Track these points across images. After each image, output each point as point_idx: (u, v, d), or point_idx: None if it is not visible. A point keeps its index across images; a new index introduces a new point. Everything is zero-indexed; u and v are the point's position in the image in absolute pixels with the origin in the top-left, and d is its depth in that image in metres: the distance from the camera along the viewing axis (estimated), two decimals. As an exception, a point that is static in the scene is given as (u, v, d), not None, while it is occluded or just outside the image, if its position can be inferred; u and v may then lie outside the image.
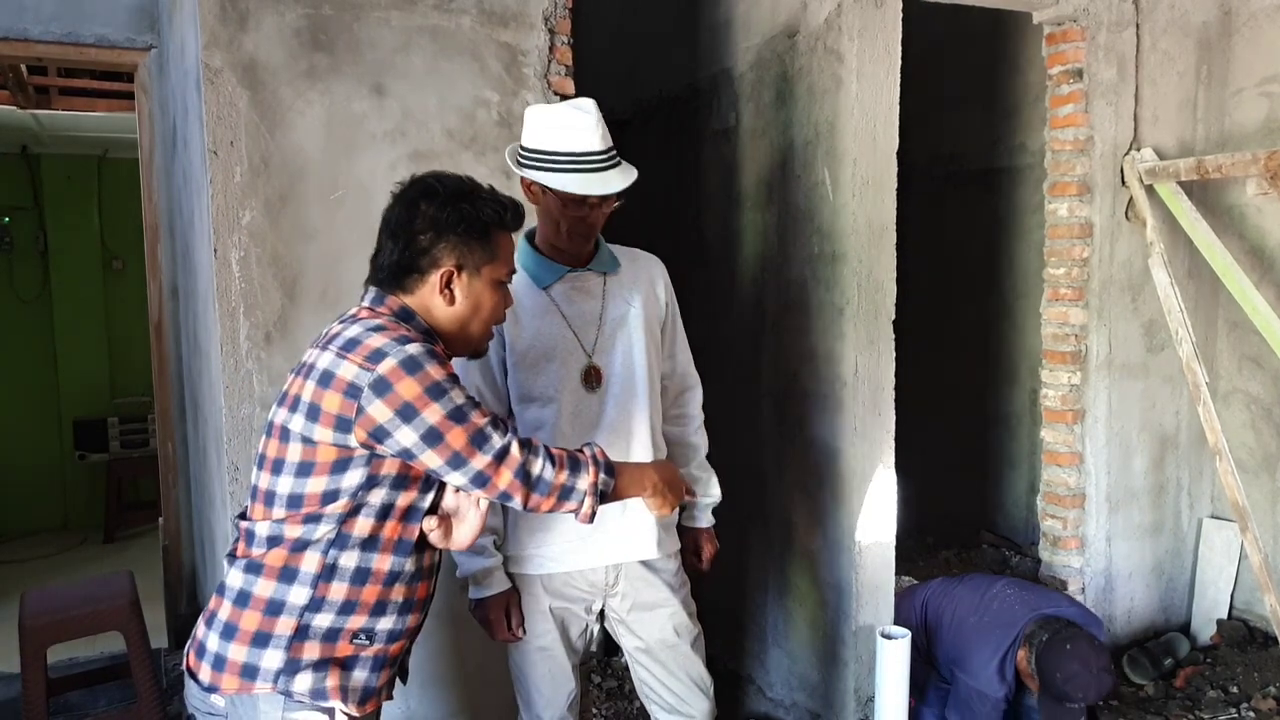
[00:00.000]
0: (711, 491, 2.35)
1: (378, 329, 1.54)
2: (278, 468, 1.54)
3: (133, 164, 4.14)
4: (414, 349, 1.51)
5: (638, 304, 2.11)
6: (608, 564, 2.10)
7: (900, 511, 3.00)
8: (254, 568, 1.55)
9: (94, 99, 4.53)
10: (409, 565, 1.62)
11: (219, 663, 1.54)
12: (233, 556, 1.60)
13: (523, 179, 2.01)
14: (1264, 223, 3.63)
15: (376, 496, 1.55)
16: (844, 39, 2.83)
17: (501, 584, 2.08)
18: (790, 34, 3.07)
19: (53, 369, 6.10)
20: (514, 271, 1.72)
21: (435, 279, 1.61)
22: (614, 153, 1.97)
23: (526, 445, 1.57)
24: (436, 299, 1.62)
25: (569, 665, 2.14)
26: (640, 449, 2.10)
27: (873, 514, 2.90)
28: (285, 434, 1.54)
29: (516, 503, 1.57)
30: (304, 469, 1.52)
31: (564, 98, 2.59)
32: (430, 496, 1.62)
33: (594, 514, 1.64)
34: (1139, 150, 3.54)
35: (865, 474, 2.89)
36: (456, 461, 1.51)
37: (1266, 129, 3.59)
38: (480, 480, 1.53)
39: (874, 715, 2.78)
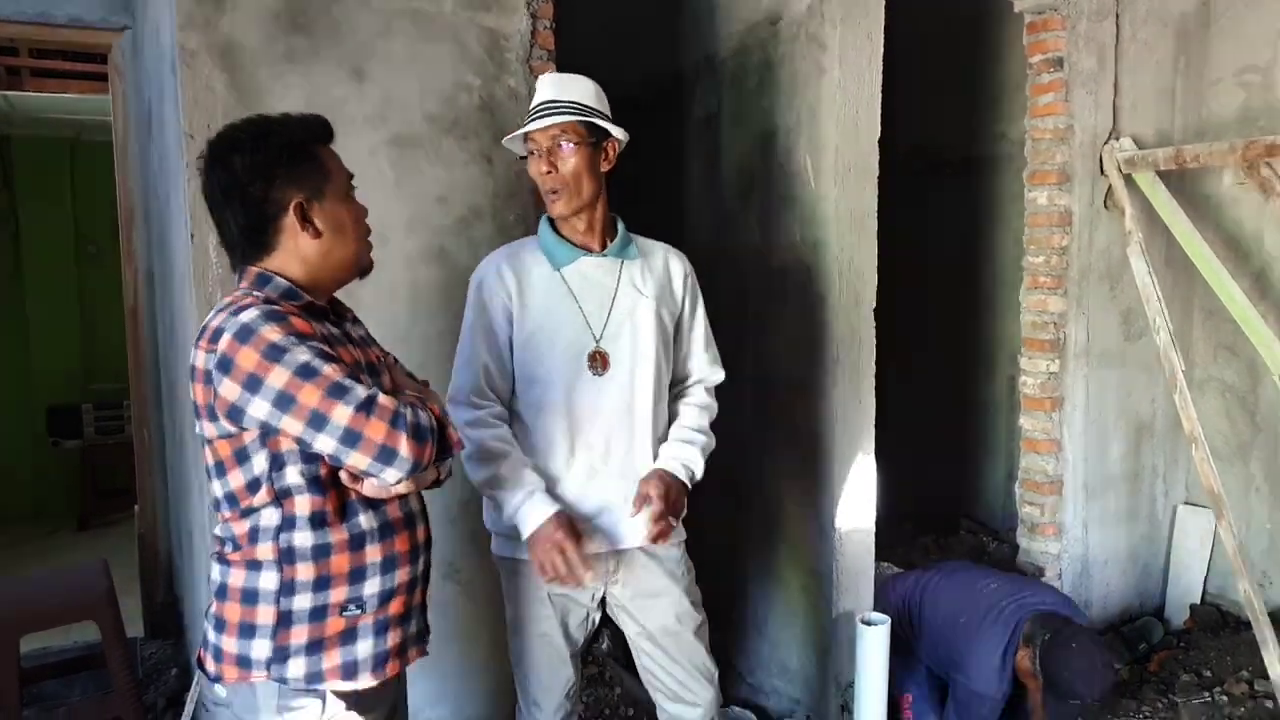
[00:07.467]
0: (683, 454, 2.11)
1: (224, 308, 1.48)
2: (209, 474, 1.55)
3: (107, 147, 4.07)
4: (247, 316, 1.43)
5: (651, 295, 2.10)
6: (608, 550, 2.09)
7: (880, 498, 3.01)
8: (225, 562, 1.55)
9: (67, 80, 4.45)
10: (371, 524, 1.55)
11: (218, 654, 1.55)
12: (213, 556, 1.61)
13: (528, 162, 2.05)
14: (1240, 212, 3.67)
15: (294, 475, 1.49)
16: (826, 26, 2.83)
17: (544, 507, 1.93)
18: (773, 20, 3.06)
19: (25, 354, 6.03)
20: (351, 175, 1.63)
21: (290, 219, 1.52)
22: (570, 104, 1.97)
23: (394, 398, 1.46)
24: (302, 239, 1.54)
25: (567, 653, 2.14)
26: (642, 436, 2.09)
27: (853, 500, 2.91)
28: (200, 441, 1.55)
29: (403, 458, 1.42)
30: (219, 469, 1.52)
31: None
32: None
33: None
34: (1118, 139, 3.56)
35: (846, 461, 2.90)
36: (317, 421, 1.39)
37: (1243, 118, 3.62)
38: (350, 438, 1.40)
39: (854, 701, 2.80)
